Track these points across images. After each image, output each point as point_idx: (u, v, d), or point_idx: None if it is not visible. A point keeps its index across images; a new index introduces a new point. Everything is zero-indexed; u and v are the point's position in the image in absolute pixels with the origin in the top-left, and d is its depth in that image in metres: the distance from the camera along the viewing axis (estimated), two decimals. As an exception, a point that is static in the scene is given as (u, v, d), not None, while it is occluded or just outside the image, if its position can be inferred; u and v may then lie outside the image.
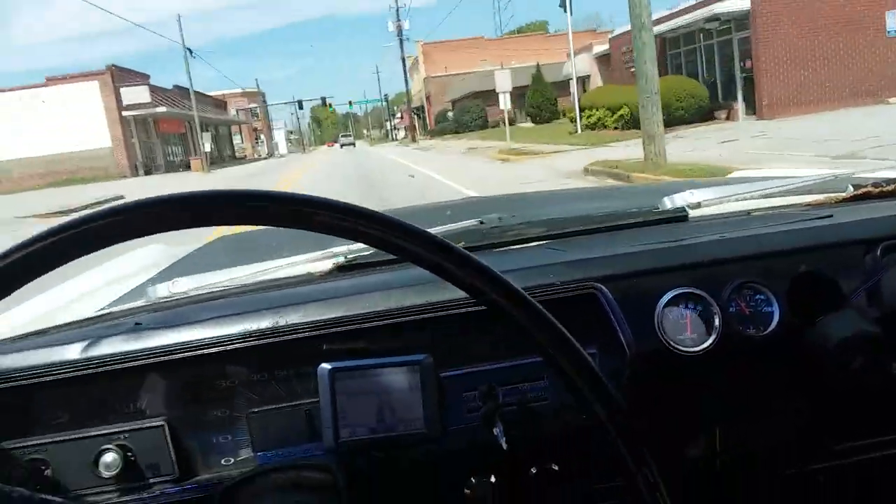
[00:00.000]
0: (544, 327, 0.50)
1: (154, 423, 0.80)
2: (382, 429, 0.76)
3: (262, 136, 69.50)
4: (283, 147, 78.93)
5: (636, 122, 12.23)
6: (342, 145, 68.71)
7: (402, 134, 71.80)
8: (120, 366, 0.78)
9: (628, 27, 9.64)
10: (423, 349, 0.77)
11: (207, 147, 32.70)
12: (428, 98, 49.03)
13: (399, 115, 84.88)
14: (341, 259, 1.02)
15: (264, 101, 72.11)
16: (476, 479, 0.82)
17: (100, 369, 0.78)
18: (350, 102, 65.00)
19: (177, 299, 0.97)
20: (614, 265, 0.87)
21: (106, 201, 16.69)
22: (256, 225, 0.49)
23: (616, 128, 18.13)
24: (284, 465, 0.73)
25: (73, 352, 0.80)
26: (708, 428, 0.87)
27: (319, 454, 0.75)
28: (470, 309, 0.80)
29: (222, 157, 48.88)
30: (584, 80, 35.81)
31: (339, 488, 0.70)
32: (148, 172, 33.22)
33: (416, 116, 50.19)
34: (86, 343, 0.80)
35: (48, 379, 0.78)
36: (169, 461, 0.79)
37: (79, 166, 32.28)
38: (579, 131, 19.38)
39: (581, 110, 19.79)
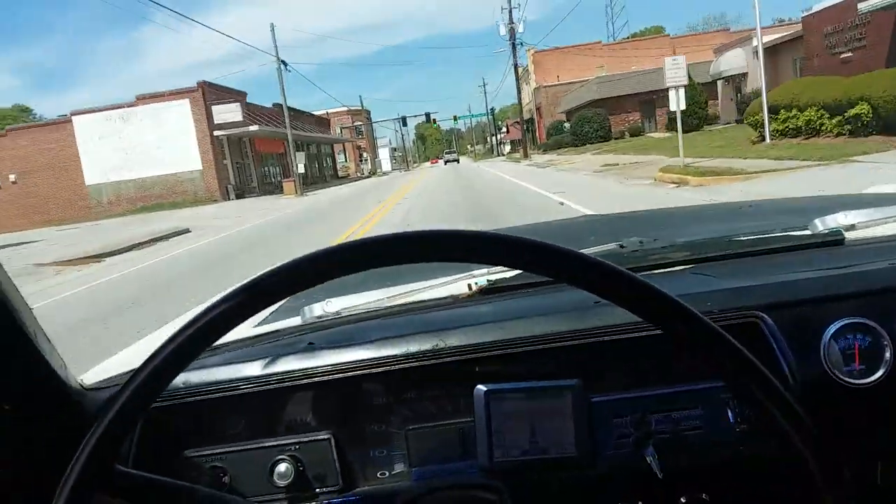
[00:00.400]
0: (730, 352, 0.51)
1: (321, 437, 0.86)
2: (535, 451, 0.78)
3: (366, 155, 68.86)
4: (386, 164, 76.76)
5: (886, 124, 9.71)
6: (446, 161, 69.01)
7: (507, 149, 70.53)
8: (295, 382, 0.84)
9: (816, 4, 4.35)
10: (574, 374, 0.78)
11: (301, 167, 30.42)
12: (538, 109, 47.86)
13: (505, 128, 79.42)
14: (483, 282, 1.05)
15: (368, 119, 71.06)
16: None
17: (277, 385, 0.84)
18: (455, 118, 59.02)
19: (332, 319, 1.03)
20: (777, 293, 0.85)
21: (154, 240, 15.09)
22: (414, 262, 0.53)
23: (841, 133, 13.36)
24: (453, 484, 0.76)
25: (253, 369, 0.86)
26: (870, 462, 0.84)
27: (473, 472, 0.77)
28: (622, 336, 0.81)
29: (324, 176, 46.91)
30: (736, 79, 28.99)
31: None
32: (240, 196, 31.23)
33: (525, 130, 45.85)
34: (265, 361, 0.87)
35: (230, 394, 0.84)
36: (334, 472, 0.85)
37: (171, 189, 30.98)
38: (767, 139, 14.95)
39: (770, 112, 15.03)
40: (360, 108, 67.43)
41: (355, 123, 64.41)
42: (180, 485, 0.63)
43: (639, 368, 0.84)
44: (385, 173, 59.55)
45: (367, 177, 52.55)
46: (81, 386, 0.84)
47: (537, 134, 47.39)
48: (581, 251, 0.52)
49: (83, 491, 0.53)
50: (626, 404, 0.81)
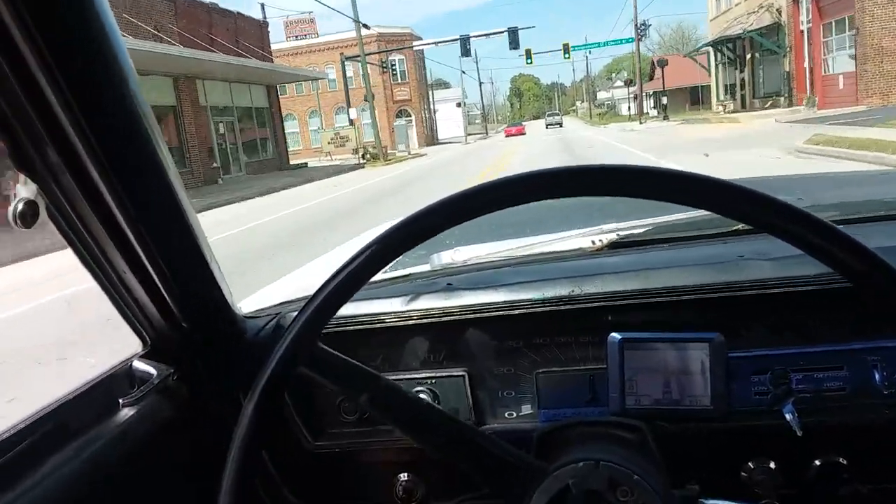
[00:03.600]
0: None
1: (456, 373, 0.91)
2: (667, 401, 0.79)
3: (415, 113, 47.92)
4: (452, 129, 55.56)
5: None
6: (548, 125, 58.14)
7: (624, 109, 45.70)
8: (435, 319, 0.90)
9: None
10: (712, 327, 0.79)
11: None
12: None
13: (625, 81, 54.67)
14: (613, 236, 1.07)
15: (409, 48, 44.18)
16: (755, 463, 0.83)
17: (418, 322, 0.90)
18: (566, 48, 35.36)
19: (459, 266, 1.08)
20: None
21: None
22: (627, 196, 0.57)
23: None
24: (595, 421, 0.77)
25: (395, 304, 0.92)
26: None
27: (598, 419, 0.77)
28: (765, 291, 0.82)
29: (261, 163, 25.59)
30: None
31: (649, 448, 0.73)
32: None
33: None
34: (407, 298, 0.92)
35: (373, 327, 0.91)
36: (467, 408, 0.90)
37: None
38: None
39: None
40: (405, 29, 44.33)
41: (388, 53, 39.28)
42: (367, 370, 0.69)
43: (781, 325, 0.84)
44: (435, 147, 41.31)
45: (397, 160, 29.16)
46: (239, 313, 0.92)
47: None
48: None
49: (290, 363, 0.63)
50: (765, 361, 0.82)
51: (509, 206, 0.57)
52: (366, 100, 27.56)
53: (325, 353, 0.66)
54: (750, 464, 0.84)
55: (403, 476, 0.93)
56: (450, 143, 47.67)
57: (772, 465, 0.83)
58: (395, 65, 38.45)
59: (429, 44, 37.51)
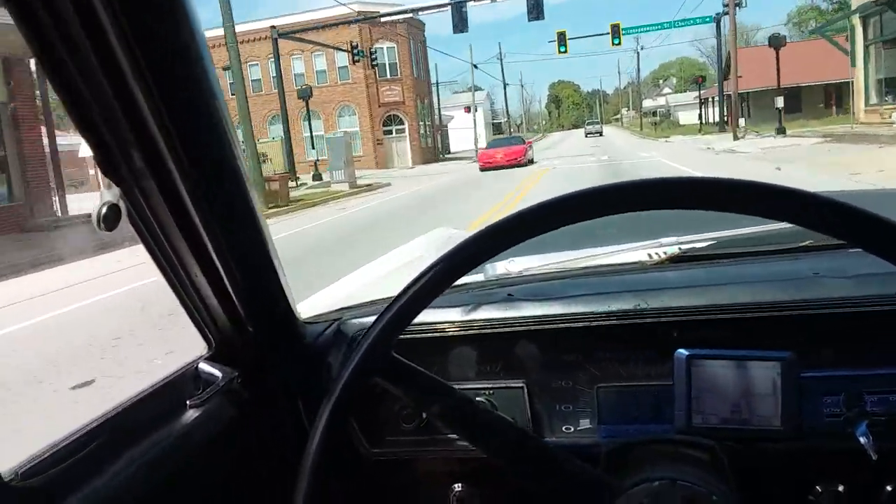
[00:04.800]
0: None
1: (515, 384, 0.96)
2: (736, 420, 0.82)
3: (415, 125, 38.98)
4: (461, 142, 43.63)
5: None
6: (587, 133, 57.04)
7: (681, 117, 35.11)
8: (495, 330, 0.96)
9: None
10: (783, 346, 0.83)
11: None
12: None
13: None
14: (675, 249, 1.12)
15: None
16: (823, 486, 0.87)
17: (478, 332, 0.97)
18: (614, 30, 27.14)
19: (514, 277, 1.14)
20: None
21: None
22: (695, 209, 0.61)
23: None
24: (664, 439, 0.81)
25: (456, 314, 0.98)
26: None
27: (668, 437, 0.83)
28: (839, 311, 0.87)
29: None
30: None
31: (723, 468, 0.76)
32: None
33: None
34: (467, 307, 0.99)
35: (434, 335, 0.98)
36: (526, 420, 0.95)
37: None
38: None
39: None
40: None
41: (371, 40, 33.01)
42: (441, 382, 0.75)
43: (854, 346, 0.87)
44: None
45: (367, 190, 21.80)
46: (300, 319, 1.02)
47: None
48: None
49: (366, 370, 0.67)
50: (839, 382, 0.85)
51: (587, 220, 0.63)
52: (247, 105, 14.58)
53: (399, 363, 0.72)
54: (818, 487, 0.87)
55: (458, 486, 1.01)
56: (462, 157, 41.05)
57: (840, 488, 0.86)
58: (375, 54, 25.40)
59: (399, 13, 24.59)
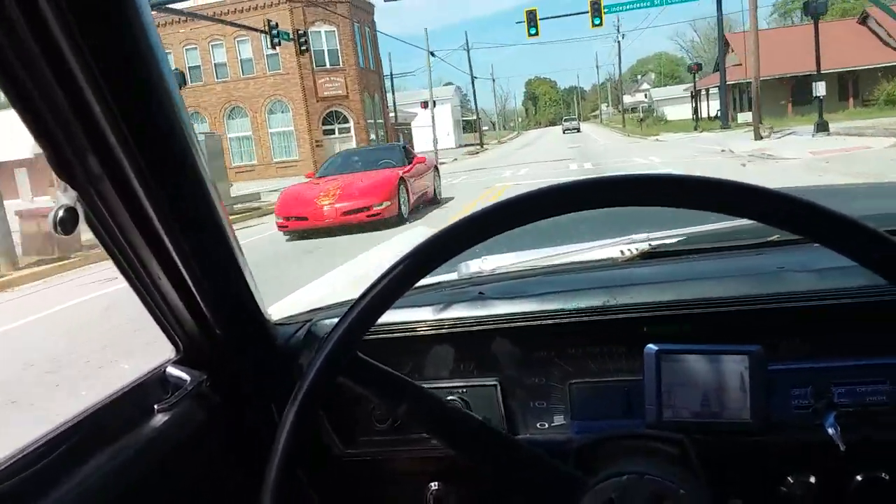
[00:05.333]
0: None
1: (489, 383, 0.99)
2: (706, 414, 0.86)
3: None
4: (440, 139, 40.49)
5: None
6: (565, 130, 56.76)
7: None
8: (467, 328, 0.99)
9: None
10: (750, 340, 0.87)
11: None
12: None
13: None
14: (645, 246, 1.17)
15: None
16: (794, 478, 0.90)
17: (449, 330, 1.00)
18: (595, 7, 22.43)
19: (487, 276, 1.19)
20: None
21: None
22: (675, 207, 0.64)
23: None
24: (635, 433, 0.84)
25: (427, 313, 1.01)
26: None
27: (639, 429, 0.87)
28: (805, 304, 0.92)
29: None
30: None
31: (691, 462, 0.79)
32: None
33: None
34: (439, 306, 1.01)
35: (405, 335, 1.01)
36: (499, 418, 0.98)
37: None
38: None
39: None
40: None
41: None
42: (407, 380, 0.77)
43: (821, 339, 0.91)
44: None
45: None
46: (270, 320, 1.05)
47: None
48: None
49: (330, 371, 0.68)
50: (806, 374, 0.89)
51: (553, 216, 0.65)
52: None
53: (364, 363, 0.75)
54: (790, 478, 0.90)
55: (434, 485, 1.03)
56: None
57: (812, 479, 0.89)
58: (304, 36, 19.45)
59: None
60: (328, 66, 31.47)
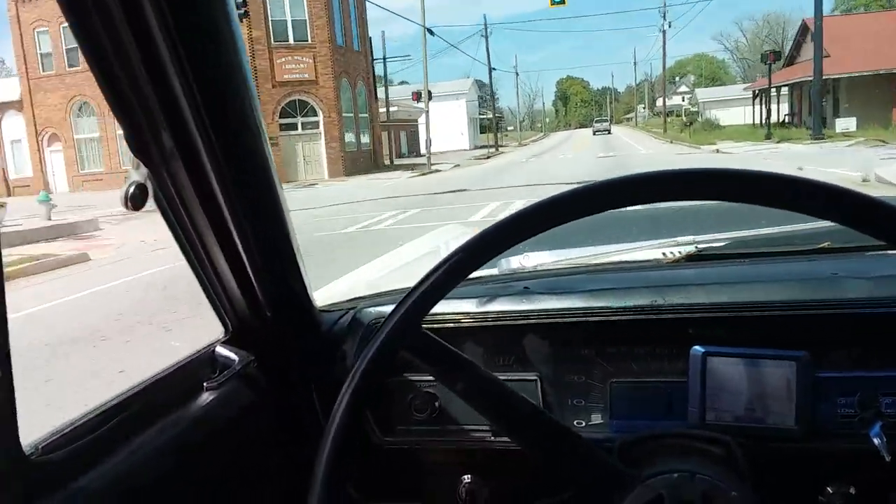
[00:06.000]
0: None
1: (530, 377, 1.01)
2: (749, 419, 0.90)
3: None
4: (452, 137, 43.52)
5: None
6: (595, 132, 56.07)
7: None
8: (510, 322, 1.03)
9: None
10: (799, 346, 0.90)
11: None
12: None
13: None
14: (692, 248, 1.18)
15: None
16: (834, 487, 0.92)
17: (493, 323, 1.03)
18: None
19: (528, 272, 1.20)
20: None
21: None
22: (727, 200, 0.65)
23: None
24: (679, 433, 0.85)
25: (471, 305, 1.04)
26: None
27: (683, 431, 0.89)
28: (855, 311, 0.94)
29: None
30: None
31: (738, 464, 0.80)
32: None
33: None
34: (483, 299, 1.05)
35: (449, 326, 1.03)
36: None
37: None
38: None
39: None
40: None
41: None
42: (466, 359, 0.80)
43: (870, 347, 0.92)
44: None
45: None
46: (316, 307, 1.11)
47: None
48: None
49: (394, 344, 0.71)
50: (854, 383, 0.90)
51: (621, 207, 0.67)
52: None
53: (428, 339, 0.78)
54: (829, 488, 0.92)
55: (467, 478, 1.07)
56: (414, 165, 30.19)
57: (852, 490, 0.91)
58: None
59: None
60: (292, 41, 24.73)
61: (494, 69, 51.61)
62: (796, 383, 0.84)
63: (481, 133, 63.27)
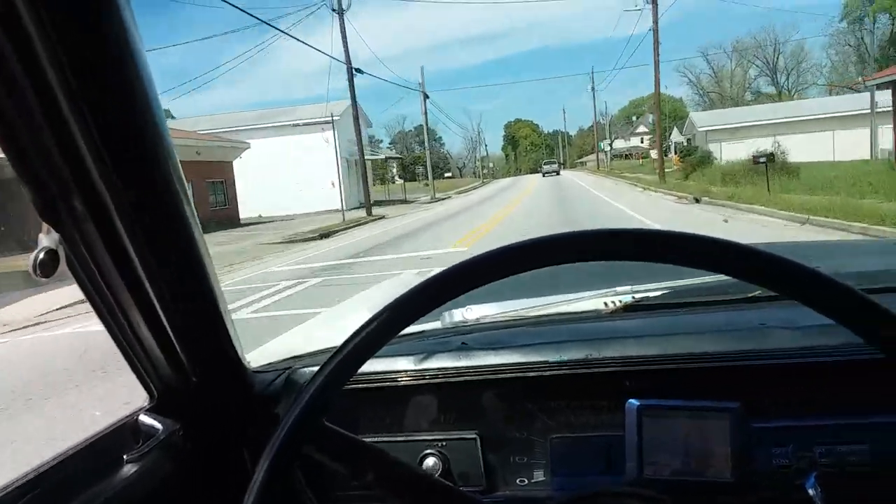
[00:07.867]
0: None
1: (468, 436, 1.02)
2: (687, 472, 0.89)
3: None
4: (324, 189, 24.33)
5: None
6: (544, 174, 57.95)
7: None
8: (448, 379, 1.03)
9: None
10: (733, 396, 0.91)
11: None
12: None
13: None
14: (629, 298, 1.22)
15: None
16: None
17: (430, 381, 1.03)
18: None
19: (471, 325, 1.23)
20: None
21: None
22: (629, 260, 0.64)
23: None
24: (616, 493, 0.84)
25: (408, 363, 1.04)
26: None
27: (618, 490, 0.90)
28: (788, 361, 0.96)
29: None
30: None
31: None
32: None
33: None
34: (420, 356, 1.05)
35: (384, 385, 1.04)
36: (479, 473, 1.01)
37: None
38: None
39: None
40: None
41: None
42: (374, 447, 0.78)
43: (804, 396, 0.94)
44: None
45: None
46: (249, 368, 1.08)
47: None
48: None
49: (296, 440, 0.68)
50: (787, 433, 0.93)
51: (538, 268, 0.67)
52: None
53: (329, 432, 0.76)
54: None
55: None
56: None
57: None
58: None
59: None
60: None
61: (427, 97, 37.05)
62: (731, 434, 0.85)
63: (382, 183, 47.00)
